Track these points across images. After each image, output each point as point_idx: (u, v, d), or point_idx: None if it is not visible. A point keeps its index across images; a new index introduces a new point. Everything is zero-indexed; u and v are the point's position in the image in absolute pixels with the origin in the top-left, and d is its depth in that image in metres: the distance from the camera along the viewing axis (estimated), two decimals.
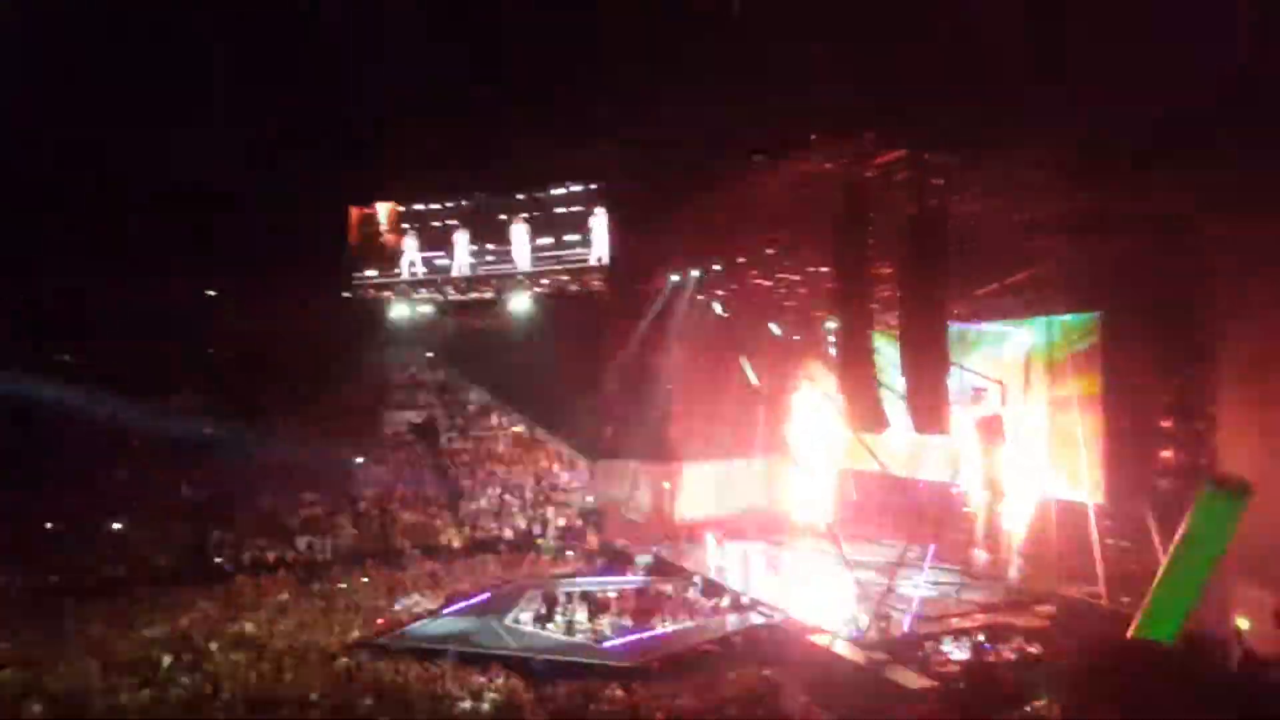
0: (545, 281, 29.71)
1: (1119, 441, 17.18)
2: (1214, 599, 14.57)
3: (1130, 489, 16.94)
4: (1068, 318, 17.91)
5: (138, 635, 18.66)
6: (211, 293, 33.44)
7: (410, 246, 33.13)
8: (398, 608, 20.89)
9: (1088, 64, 13.06)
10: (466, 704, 14.52)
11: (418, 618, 20.15)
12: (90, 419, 26.80)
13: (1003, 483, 17.29)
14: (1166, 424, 16.75)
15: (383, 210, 32.86)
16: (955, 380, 16.54)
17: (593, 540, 26.68)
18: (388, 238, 34.09)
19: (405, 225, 34.25)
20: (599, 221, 28.09)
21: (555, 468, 30.43)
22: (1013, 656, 15.10)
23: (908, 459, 20.63)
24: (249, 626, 19.11)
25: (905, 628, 16.40)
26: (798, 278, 22.65)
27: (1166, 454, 16.74)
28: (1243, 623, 13.27)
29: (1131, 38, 12.38)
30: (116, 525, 25.28)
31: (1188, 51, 12.16)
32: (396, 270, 32.60)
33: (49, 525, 24.74)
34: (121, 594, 22.02)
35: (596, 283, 28.34)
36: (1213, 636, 13.37)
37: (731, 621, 18.89)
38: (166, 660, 16.78)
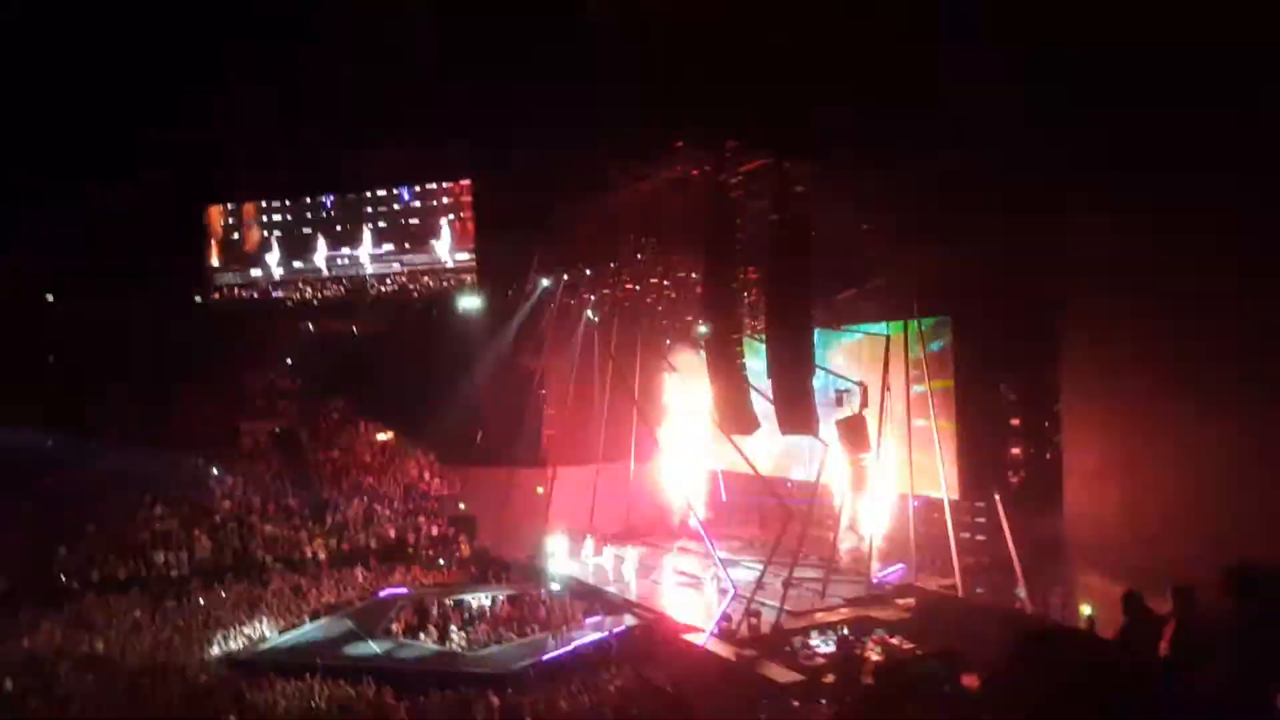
0: (392, 282, 29.24)
1: (971, 439, 18.26)
2: (1060, 588, 15.70)
3: (983, 484, 18.01)
4: (922, 320, 18.87)
5: None
6: (49, 297, 31.20)
7: (271, 247, 31.92)
8: (260, 622, 19.97)
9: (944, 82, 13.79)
10: (336, 718, 13.98)
11: (284, 631, 19.35)
12: None
13: (864, 481, 18.05)
14: (1015, 421, 17.93)
15: (237, 211, 31.51)
16: (820, 383, 17.16)
17: (465, 548, 26.20)
18: (248, 235, 32.72)
19: (264, 229, 33.02)
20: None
21: (425, 475, 29.72)
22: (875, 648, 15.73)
23: (776, 459, 21.26)
24: (100, 646, 18.08)
25: (773, 624, 16.85)
26: (668, 283, 22.98)
27: (1016, 450, 17.92)
28: (1086, 610, 14.26)
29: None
30: None
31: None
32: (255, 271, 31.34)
33: None
34: None
35: (450, 283, 28.07)
36: (1062, 623, 14.29)
37: (606, 624, 18.93)
38: (8, 684, 15.68)
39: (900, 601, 18.07)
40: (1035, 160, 14.73)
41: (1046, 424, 17.54)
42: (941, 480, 18.49)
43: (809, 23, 13.75)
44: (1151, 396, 13.95)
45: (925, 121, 14.38)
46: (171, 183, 28.51)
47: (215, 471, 28.23)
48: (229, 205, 33.05)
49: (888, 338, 18.90)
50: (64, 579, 23.00)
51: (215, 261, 33.63)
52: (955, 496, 18.58)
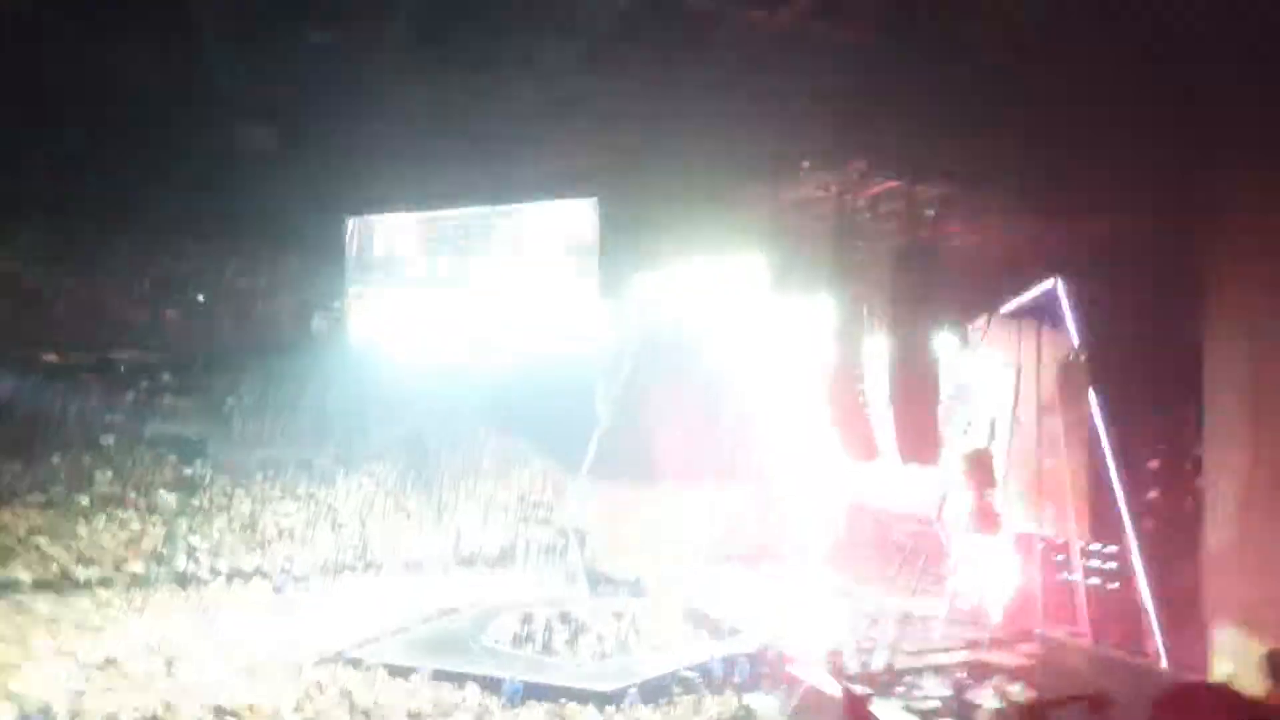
0: None
1: (1104, 481, 17.15)
2: (1197, 647, 14.54)
3: (1116, 529, 16.91)
4: (1056, 353, 17.91)
5: (110, 639, 18.43)
6: (201, 298, 33.04)
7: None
8: (375, 621, 20.58)
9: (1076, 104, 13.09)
10: None
11: (395, 631, 19.85)
12: (69, 417, 26.63)
13: (989, 519, 17.20)
14: (1153, 464, 16.77)
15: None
16: (944, 413, 16.48)
17: (575, 559, 26.41)
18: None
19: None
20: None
21: (539, 484, 30.17)
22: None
23: (897, 492, 20.54)
24: (223, 635, 18.93)
25: (886, 662, 16.24)
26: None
27: (1153, 494, 16.75)
28: (1224, 667, 13.17)
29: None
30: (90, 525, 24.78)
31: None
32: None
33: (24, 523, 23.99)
34: (95, 595, 21.60)
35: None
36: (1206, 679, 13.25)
37: (712, 648, 18.69)
38: (137, 667, 16.67)
39: (1022, 648, 17.14)
40: (1182, 186, 13.82)
41: (1187, 467, 16.34)
42: (1071, 522, 17.46)
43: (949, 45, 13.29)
44: None
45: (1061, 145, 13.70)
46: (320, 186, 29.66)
47: (342, 470, 29.44)
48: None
49: (1019, 368, 18.00)
50: (193, 567, 23.99)
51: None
52: (1085, 540, 17.51)
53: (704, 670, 17.61)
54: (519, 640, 19.14)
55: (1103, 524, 17.26)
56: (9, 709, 14.28)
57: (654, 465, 26.86)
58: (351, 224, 32.10)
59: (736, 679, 16.96)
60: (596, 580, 24.58)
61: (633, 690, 16.32)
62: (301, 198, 29.80)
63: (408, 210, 32.81)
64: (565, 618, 20.33)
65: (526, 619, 20.21)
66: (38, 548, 23.39)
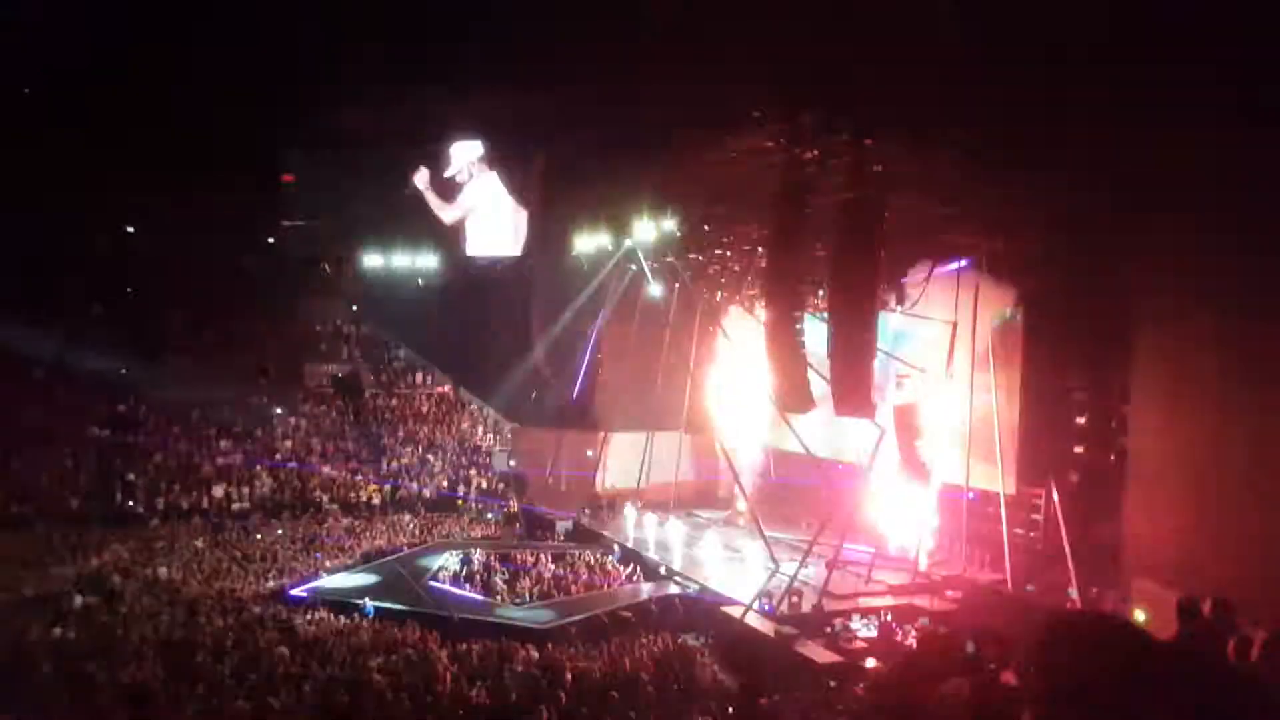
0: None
1: (1033, 434, 17.83)
2: (1113, 591, 15.38)
3: (1041, 480, 17.64)
4: (991, 311, 18.43)
5: (48, 573, 18.35)
6: (130, 229, 32.16)
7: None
8: (314, 560, 20.64)
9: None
10: (380, 658, 14.38)
11: (335, 570, 19.94)
12: None
13: (917, 468, 17.82)
14: (1080, 420, 17.47)
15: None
16: (880, 366, 16.90)
17: (514, 504, 26.61)
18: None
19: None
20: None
21: (479, 430, 30.22)
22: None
23: (828, 440, 21.09)
24: (163, 571, 18.86)
25: (815, 604, 16.81)
26: (731, 254, 22.79)
27: (1078, 449, 17.47)
28: (1140, 615, 13.94)
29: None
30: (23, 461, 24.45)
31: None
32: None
33: None
34: (30, 531, 21.59)
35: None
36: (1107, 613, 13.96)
37: (647, 590, 19.13)
38: (78, 600, 16.52)
39: (948, 593, 17.89)
40: (1126, 140, 14.17)
41: (1113, 424, 17.07)
42: (999, 474, 18.17)
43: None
44: (1224, 405, 13.47)
45: (1012, 100, 13.92)
46: (250, 121, 28.84)
47: (279, 410, 29.06)
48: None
49: (954, 323, 18.48)
50: (131, 504, 24.01)
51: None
52: (1011, 491, 18.25)
53: (640, 610, 18.02)
54: (459, 580, 19.31)
55: (1028, 476, 17.99)
56: None
57: (590, 412, 27.05)
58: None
59: (672, 620, 17.38)
60: (535, 524, 24.82)
61: (571, 628, 16.64)
62: (238, 131, 29.00)
63: (344, 147, 32.09)
64: (504, 559, 20.56)
65: (466, 559, 20.39)
66: None
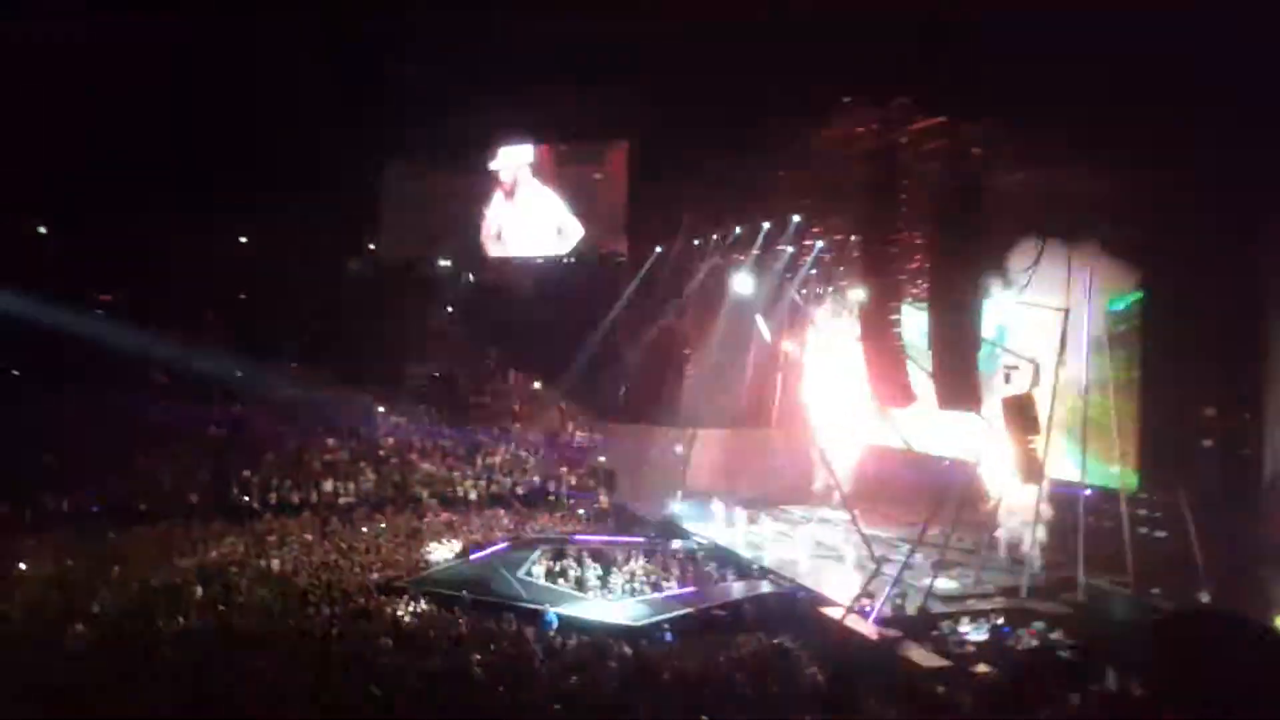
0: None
1: (1156, 428, 16.69)
2: (1245, 598, 14.26)
3: (1167, 478, 16.48)
4: (1108, 298, 17.35)
5: (171, 566, 19.33)
6: (244, 239, 33.69)
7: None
8: (416, 554, 21.18)
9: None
10: (479, 651, 14.52)
11: (435, 564, 20.39)
12: (125, 356, 27.78)
13: (1032, 466, 16.85)
14: (1209, 412, 16.26)
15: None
16: (984, 356, 16.09)
17: (604, 500, 26.64)
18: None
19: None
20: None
21: (570, 427, 30.46)
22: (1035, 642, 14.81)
23: (931, 435, 20.26)
24: (275, 564, 19.71)
25: (920, 606, 16.13)
26: (823, 244, 22.27)
27: (1208, 443, 16.26)
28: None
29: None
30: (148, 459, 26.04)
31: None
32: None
33: (88, 456, 25.51)
34: (154, 525, 22.89)
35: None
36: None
37: (740, 589, 18.79)
38: (199, 591, 17.37)
39: (1064, 595, 16.89)
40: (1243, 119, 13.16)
41: (1245, 416, 15.82)
42: (1119, 471, 17.07)
43: None
44: None
45: (1119, 80, 13.10)
46: (355, 137, 29.88)
47: (381, 409, 29.97)
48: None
49: (1066, 311, 17.42)
50: (245, 499, 25.01)
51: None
52: (1133, 488, 17.13)
53: (733, 609, 17.68)
54: (553, 575, 19.36)
55: (1151, 472, 16.83)
56: (87, 629, 15.03)
57: (684, 409, 26.83)
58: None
59: (767, 620, 16.98)
60: (626, 520, 24.73)
61: (665, 627, 16.44)
62: (340, 144, 30.06)
63: (443, 155, 32.84)
64: (597, 555, 20.51)
65: (559, 555, 20.44)
66: (101, 480, 24.67)
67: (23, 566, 18.96)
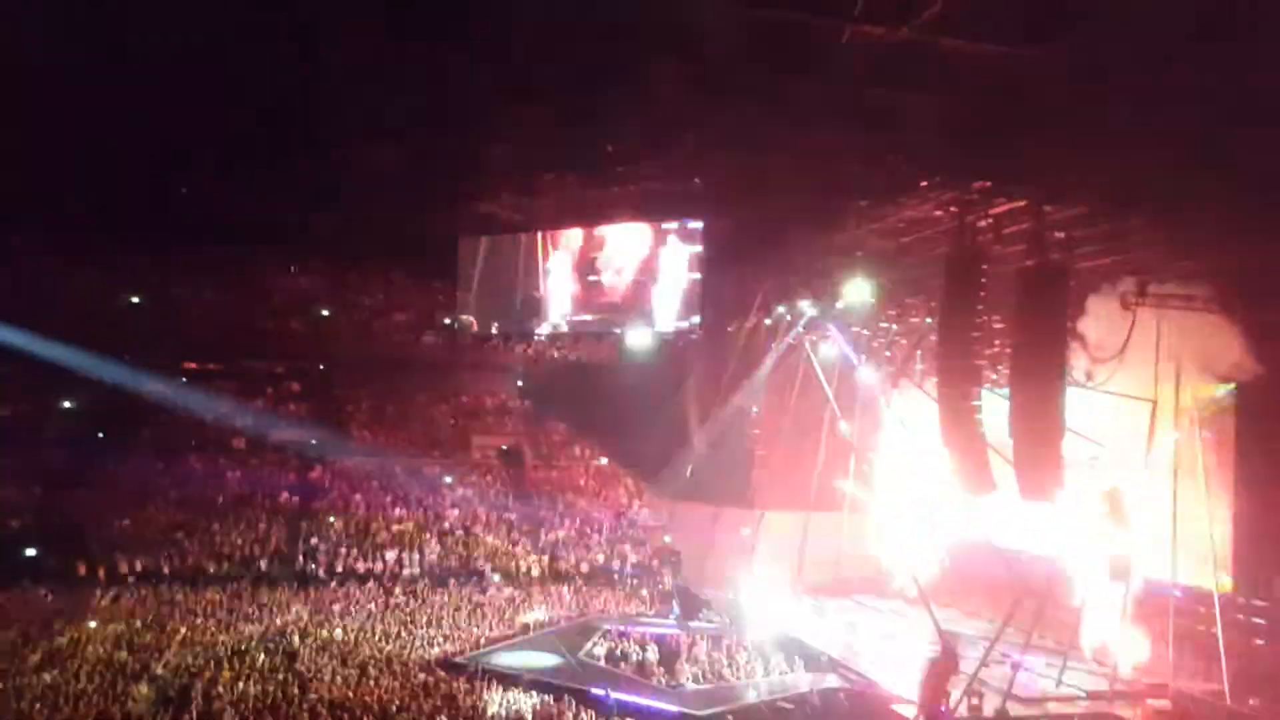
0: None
1: (1251, 526, 15.82)
2: None
3: (1265, 579, 15.55)
4: (1197, 390, 16.69)
5: (237, 631, 19.62)
6: (325, 313, 34.82)
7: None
8: (477, 629, 21.11)
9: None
10: None
11: (496, 640, 20.26)
12: (205, 423, 29.12)
13: (1120, 562, 16.05)
14: None
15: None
16: (1068, 446, 15.54)
17: (668, 580, 26.19)
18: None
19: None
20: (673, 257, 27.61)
21: (634, 504, 30.18)
22: None
23: (1013, 527, 19.52)
24: (338, 633, 19.82)
25: (998, 708, 15.32)
26: (898, 327, 22.00)
27: None
28: None
29: None
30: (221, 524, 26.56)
31: None
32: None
33: (164, 519, 26.28)
34: (224, 589, 23.30)
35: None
36: None
37: (808, 680, 18.13)
38: (261, 658, 17.55)
39: (1152, 702, 15.87)
40: None
41: None
42: (1213, 570, 16.15)
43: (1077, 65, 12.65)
44: None
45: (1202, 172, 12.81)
46: (436, 208, 30.75)
47: (448, 480, 30.19)
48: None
49: (1154, 403, 16.78)
50: (313, 567, 25.33)
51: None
52: (1228, 590, 16.17)
53: (800, 702, 17.04)
54: (614, 658, 18.99)
55: (1249, 574, 15.90)
56: (150, 688, 15.35)
57: (752, 490, 26.43)
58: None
59: (834, 715, 16.31)
60: (692, 603, 24.22)
61: (728, 716, 15.92)
62: (417, 219, 31.02)
63: (517, 230, 33.57)
64: (660, 639, 20.08)
65: (622, 637, 20.07)
66: (175, 542, 25.15)
67: (92, 624, 19.36)
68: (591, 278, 32.76)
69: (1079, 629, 17.80)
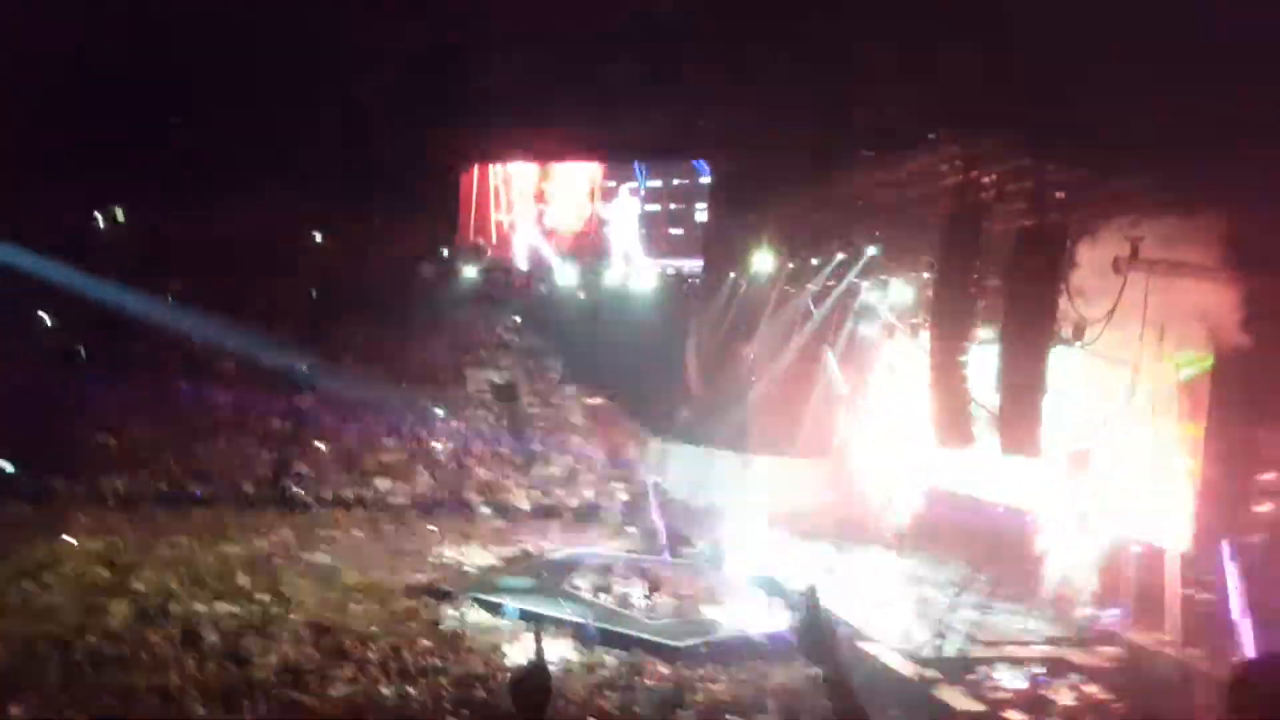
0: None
1: (1213, 489, 16.34)
2: None
3: (1218, 540, 16.15)
4: (1178, 355, 17.04)
5: (219, 551, 19.70)
6: (318, 236, 34.73)
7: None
8: (464, 558, 21.42)
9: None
10: (520, 657, 14.81)
11: (482, 570, 20.64)
12: (194, 344, 29.02)
13: (1085, 518, 16.65)
14: (1268, 477, 15.90)
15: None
16: (1050, 405, 15.96)
17: (656, 519, 26.78)
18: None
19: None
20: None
21: (627, 444, 30.60)
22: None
23: (989, 481, 20.09)
24: (323, 558, 20.01)
25: (960, 649, 16.03)
26: (896, 279, 22.25)
27: (1264, 508, 15.91)
28: None
29: None
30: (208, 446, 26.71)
31: None
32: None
33: (148, 440, 26.33)
34: (207, 511, 23.37)
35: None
36: None
37: (785, 618, 18.76)
38: (244, 579, 17.65)
39: (1106, 650, 16.61)
40: None
41: None
42: (1172, 529, 16.74)
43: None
44: None
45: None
46: (438, 139, 30.49)
47: (440, 411, 30.50)
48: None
49: (1135, 365, 17.16)
50: (300, 492, 25.64)
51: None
52: (1185, 549, 16.78)
53: (775, 638, 17.70)
54: (598, 589, 19.62)
55: (1204, 533, 16.49)
56: (129, 605, 15.40)
57: (741, 434, 26.93)
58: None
59: (807, 651, 16.96)
60: (675, 541, 24.88)
61: (703, 649, 16.55)
62: (416, 148, 30.80)
63: (520, 161, 33.33)
64: (643, 573, 20.70)
65: (606, 570, 20.69)
66: (159, 463, 25.31)
67: (72, 541, 19.07)
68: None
69: (1042, 579, 18.46)
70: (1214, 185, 13.81)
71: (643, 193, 30.21)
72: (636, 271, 29.79)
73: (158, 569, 17.75)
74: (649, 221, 30.09)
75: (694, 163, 28.80)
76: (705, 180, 28.47)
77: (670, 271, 30.16)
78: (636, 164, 30.36)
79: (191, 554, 19.24)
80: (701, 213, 28.86)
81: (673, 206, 29.75)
